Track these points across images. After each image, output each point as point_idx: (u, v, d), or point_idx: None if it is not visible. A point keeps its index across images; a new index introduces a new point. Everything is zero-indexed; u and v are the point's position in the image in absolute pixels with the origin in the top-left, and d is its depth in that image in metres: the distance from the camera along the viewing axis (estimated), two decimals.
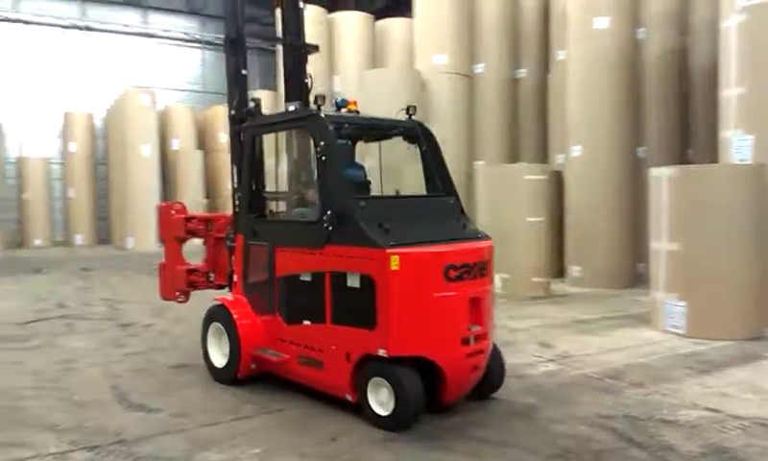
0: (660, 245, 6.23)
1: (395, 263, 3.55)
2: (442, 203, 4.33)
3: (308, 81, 5.10)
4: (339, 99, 4.50)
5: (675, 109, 9.91)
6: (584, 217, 9.21)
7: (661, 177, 6.26)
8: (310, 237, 4.04)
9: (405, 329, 3.61)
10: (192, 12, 24.25)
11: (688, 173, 6.41)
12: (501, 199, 8.31)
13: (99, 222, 19.90)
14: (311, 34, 8.33)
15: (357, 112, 4.48)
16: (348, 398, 3.83)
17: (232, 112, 4.86)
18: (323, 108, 4.09)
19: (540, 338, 5.94)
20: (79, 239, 19.36)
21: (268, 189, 4.79)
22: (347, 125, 4.27)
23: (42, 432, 3.61)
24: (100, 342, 6.03)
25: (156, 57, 23.62)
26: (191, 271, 5.26)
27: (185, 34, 24.20)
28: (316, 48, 5.18)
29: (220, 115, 20.53)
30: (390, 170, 4.93)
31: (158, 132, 18.41)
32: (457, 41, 10.98)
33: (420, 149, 4.52)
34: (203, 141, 20.59)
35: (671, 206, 6.11)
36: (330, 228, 3.86)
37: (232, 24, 4.89)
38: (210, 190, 20.03)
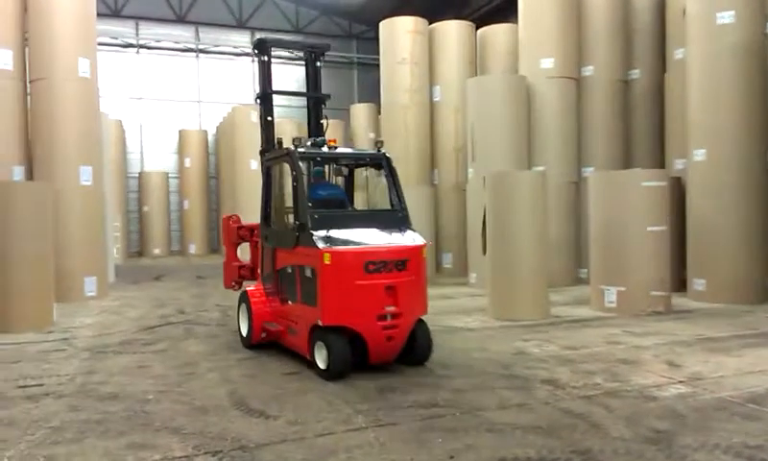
0: None
1: (327, 259, 4.85)
2: (390, 215, 5.55)
3: (324, 122, 6.47)
4: (320, 139, 5.82)
5: None
6: (707, 226, 8.53)
7: None
8: (289, 240, 5.46)
9: (334, 306, 4.90)
10: (296, 31, 25.14)
11: None
12: (616, 207, 7.85)
13: (210, 232, 21.02)
14: (409, 45, 8.99)
15: (335, 148, 5.71)
16: (307, 357, 5.17)
17: (261, 149, 6.36)
18: (299, 147, 5.43)
19: (666, 357, 5.50)
20: (192, 248, 20.53)
21: (274, 205, 6.18)
22: (319, 158, 5.72)
23: (167, 436, 3.75)
24: (216, 347, 6.27)
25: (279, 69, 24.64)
26: (240, 267, 6.88)
27: (290, 52, 25.10)
28: (328, 96, 6.55)
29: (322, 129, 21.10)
30: (380, 189, 6.10)
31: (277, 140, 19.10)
32: (564, 44, 10.61)
33: (384, 174, 5.73)
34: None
35: None
36: (297, 233, 5.25)
37: (263, 85, 6.31)
38: None
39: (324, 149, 5.66)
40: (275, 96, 6.32)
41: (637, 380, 4.79)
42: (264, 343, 5.93)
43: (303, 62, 6.58)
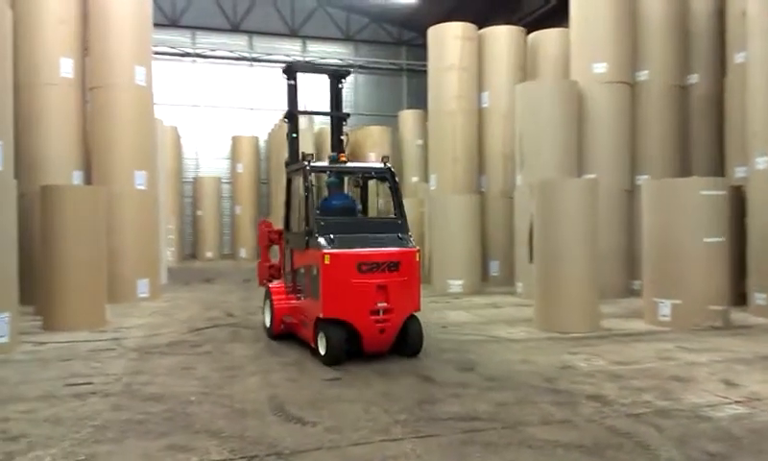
0: None
1: (327, 259, 5.56)
2: (389, 223, 6.19)
3: (344, 137, 7.14)
4: (332, 155, 6.54)
5: None
6: None
7: None
8: (302, 243, 6.15)
9: (332, 301, 5.58)
10: (347, 38, 25.37)
11: None
12: (671, 217, 7.53)
13: None
14: (458, 51, 9.54)
15: (345, 163, 6.46)
16: (312, 345, 5.88)
17: (285, 161, 7.08)
18: (311, 162, 6.12)
19: (722, 375, 5.22)
20: (243, 253, 20.93)
21: (292, 212, 6.91)
22: (329, 172, 6.61)
23: (206, 439, 3.78)
24: (260, 350, 6.33)
25: (312, 82, 25.00)
26: (270, 266, 7.63)
27: (340, 59, 25.37)
28: (348, 115, 7.27)
29: (370, 135, 21.20)
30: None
31: (315, 152, 19.36)
32: (618, 47, 10.29)
33: (388, 186, 6.36)
34: (354, 160, 21.33)
35: None
36: (307, 237, 5.94)
37: (290, 106, 7.06)
38: (362, 207, 20.66)
39: (324, 162, 6.63)
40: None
41: (691, 399, 4.55)
42: (284, 334, 6.69)
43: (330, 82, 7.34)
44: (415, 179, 19.76)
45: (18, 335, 6.61)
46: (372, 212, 6.96)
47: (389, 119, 22.90)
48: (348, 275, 5.54)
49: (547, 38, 12.63)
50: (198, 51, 23.65)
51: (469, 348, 6.42)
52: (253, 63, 24.34)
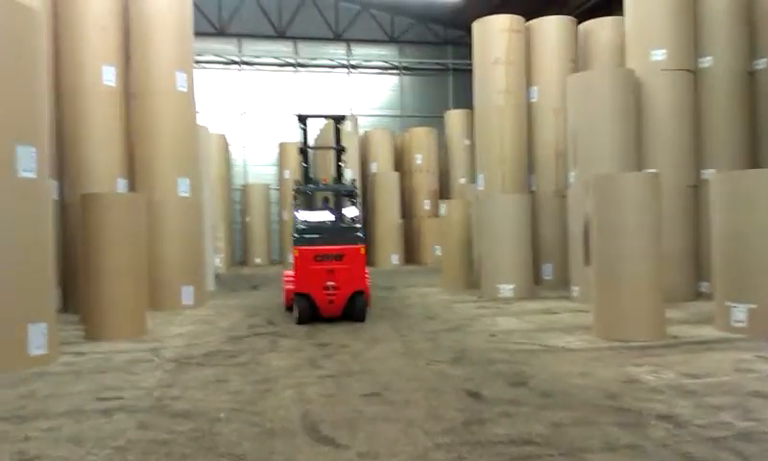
0: None
1: (296, 252, 8.06)
2: (347, 228, 8.53)
3: (342, 164, 9.25)
4: (314, 179, 9.33)
5: None
6: None
7: None
8: (294, 242, 8.23)
9: (299, 281, 8.03)
10: (391, 40, 25.08)
11: None
12: (744, 213, 6.84)
13: None
14: (504, 44, 10.75)
15: (327, 183, 9.28)
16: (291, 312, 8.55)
17: (295, 181, 9.49)
18: (299, 186, 8.83)
19: None
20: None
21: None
22: (310, 192, 9.00)
23: None
24: (298, 362, 6.03)
25: (357, 85, 24.85)
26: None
27: (385, 61, 25.12)
28: (344, 149, 9.31)
29: (416, 138, 20.82)
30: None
31: (360, 155, 19.15)
32: (678, 32, 9.59)
33: (351, 201, 8.87)
34: (400, 163, 21.00)
35: None
36: (293, 238, 8.26)
37: (303, 143, 9.02)
38: (407, 210, 20.29)
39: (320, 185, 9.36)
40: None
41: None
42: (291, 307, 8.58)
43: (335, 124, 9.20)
44: (462, 180, 19.26)
45: (58, 346, 6.53)
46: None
47: (435, 120, 22.47)
48: (308, 263, 7.96)
49: (600, 28, 11.95)
50: (244, 59, 23.83)
51: (521, 358, 5.94)
52: (299, 69, 24.36)
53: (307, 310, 8.02)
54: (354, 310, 8.13)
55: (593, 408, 4.33)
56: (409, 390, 4.90)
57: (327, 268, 7.90)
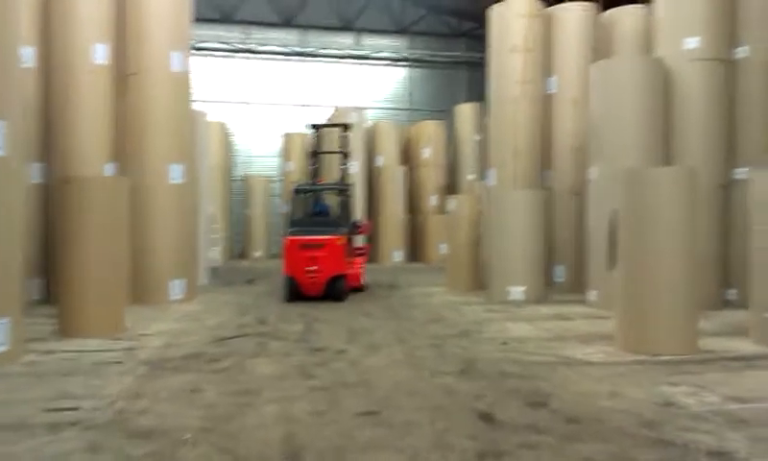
0: None
1: (285, 242, 9.43)
2: (332, 221, 10.03)
3: (344, 167, 10.84)
4: (312, 179, 10.87)
5: None
6: None
7: None
8: (285, 233, 9.71)
9: (288, 265, 9.35)
10: (401, 31, 24.37)
11: None
12: None
13: None
14: (523, 31, 10.80)
15: (323, 183, 10.87)
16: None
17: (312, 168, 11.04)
18: (297, 185, 10.77)
19: None
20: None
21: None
22: (309, 190, 10.53)
23: None
24: (286, 369, 5.36)
25: (366, 76, 24.15)
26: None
27: (394, 53, 24.41)
28: (349, 154, 11.05)
29: (425, 131, 20.09)
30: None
31: (366, 148, 18.46)
32: (713, 19, 8.84)
33: (341, 198, 10.44)
34: (407, 157, 20.27)
35: None
36: (288, 229, 9.69)
37: (314, 148, 10.92)
38: (414, 204, 19.56)
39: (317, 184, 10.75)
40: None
41: None
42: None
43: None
44: (471, 176, 18.53)
45: (25, 343, 5.88)
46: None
47: (446, 114, 21.75)
48: (294, 250, 9.24)
49: (624, 15, 11.21)
50: (249, 47, 23.16)
51: (538, 372, 5.25)
52: (306, 59, 23.67)
53: (293, 288, 9.40)
54: (333, 291, 9.43)
55: (629, 439, 3.64)
56: (410, 409, 4.22)
57: (310, 255, 9.17)
